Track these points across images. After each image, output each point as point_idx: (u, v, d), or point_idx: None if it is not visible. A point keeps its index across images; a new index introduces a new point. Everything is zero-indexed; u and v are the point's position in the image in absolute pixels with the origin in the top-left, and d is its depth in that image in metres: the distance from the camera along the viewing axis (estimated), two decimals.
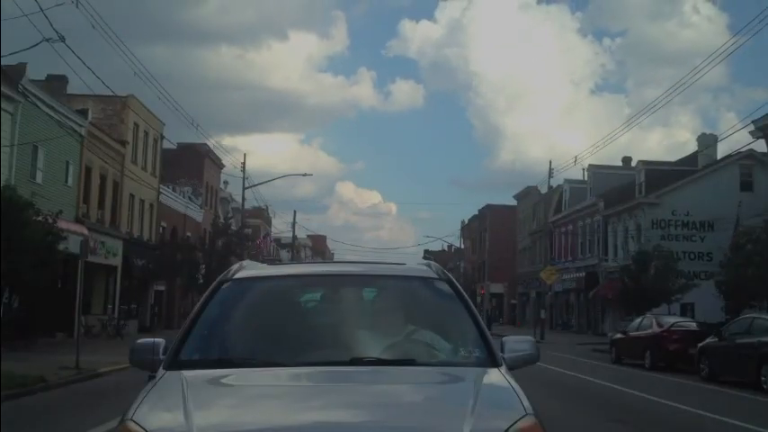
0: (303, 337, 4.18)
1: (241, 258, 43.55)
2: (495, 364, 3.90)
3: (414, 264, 5.35)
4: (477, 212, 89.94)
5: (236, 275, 4.60)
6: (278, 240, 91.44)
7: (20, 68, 24.88)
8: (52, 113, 27.07)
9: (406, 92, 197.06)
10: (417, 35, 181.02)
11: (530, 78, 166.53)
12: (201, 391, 3.45)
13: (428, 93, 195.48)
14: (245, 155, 49.91)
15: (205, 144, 50.54)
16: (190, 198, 49.99)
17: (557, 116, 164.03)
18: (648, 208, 40.67)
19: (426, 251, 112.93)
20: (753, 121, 32.61)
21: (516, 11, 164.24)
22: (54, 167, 27.92)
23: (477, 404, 3.22)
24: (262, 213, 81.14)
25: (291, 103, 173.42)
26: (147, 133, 39.78)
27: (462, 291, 4.60)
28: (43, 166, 26.93)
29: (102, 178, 33.50)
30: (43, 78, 33.24)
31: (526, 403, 3.29)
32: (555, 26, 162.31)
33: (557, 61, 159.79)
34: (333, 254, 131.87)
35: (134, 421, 3.11)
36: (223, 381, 3.62)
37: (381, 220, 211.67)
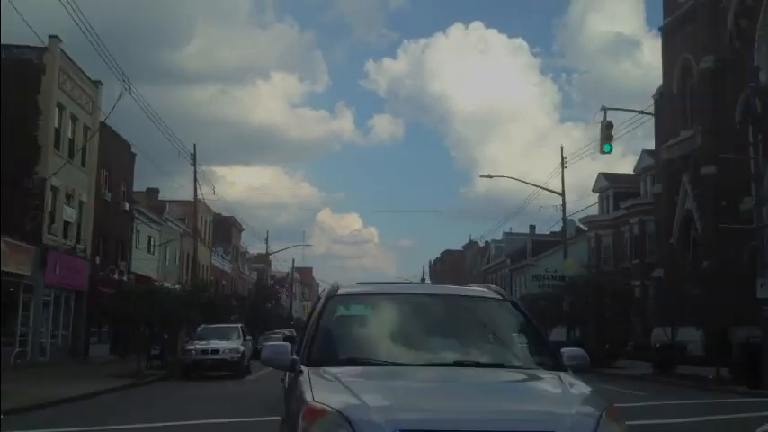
0: (409, 342, 5.18)
1: (277, 301, 64.58)
2: (562, 368, 4.93)
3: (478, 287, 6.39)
4: (439, 255, 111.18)
5: (339, 292, 5.72)
6: (273, 276, 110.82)
7: (157, 201, 45.86)
8: (173, 226, 48.16)
9: (384, 126, 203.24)
10: (392, 72, 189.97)
11: (500, 111, 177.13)
12: (354, 381, 4.36)
13: (407, 126, 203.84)
14: (267, 233, 70.86)
15: (233, 217, 71.57)
16: (222, 256, 70.93)
17: (526, 145, 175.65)
18: (532, 267, 62.11)
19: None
20: (580, 220, 54.11)
21: (484, 50, 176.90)
22: (172, 255, 48.89)
23: (572, 396, 4.27)
24: (265, 258, 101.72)
25: (273, 137, 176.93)
26: (206, 221, 60.89)
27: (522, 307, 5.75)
28: (168, 256, 47.95)
29: (188, 256, 54.49)
30: (143, 190, 54.21)
31: (602, 394, 4.50)
32: (519, 64, 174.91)
33: (524, 95, 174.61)
34: (318, 285, 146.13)
35: (318, 401, 3.98)
36: (365, 374, 4.66)
37: (363, 248, 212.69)
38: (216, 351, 25.21)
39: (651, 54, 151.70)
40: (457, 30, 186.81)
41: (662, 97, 40.33)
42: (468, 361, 4.91)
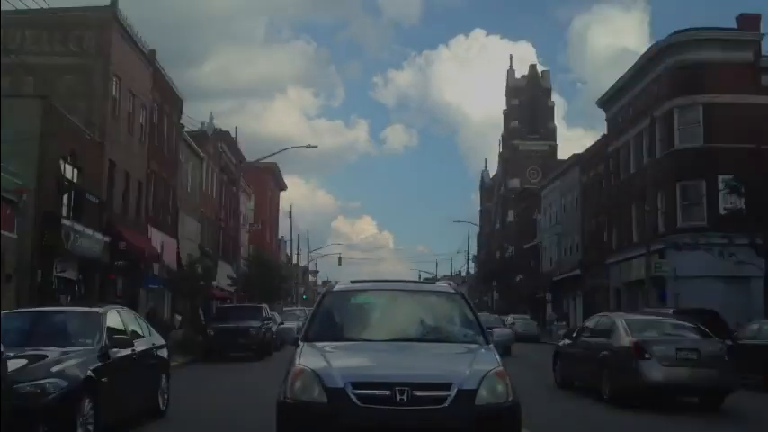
0: (378, 324, 7.59)
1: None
2: (487, 343, 7.15)
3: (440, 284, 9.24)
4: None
5: (334, 288, 8.27)
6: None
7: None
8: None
9: (398, 136, 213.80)
10: (403, 85, 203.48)
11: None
12: (331, 350, 6.77)
13: (420, 135, 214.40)
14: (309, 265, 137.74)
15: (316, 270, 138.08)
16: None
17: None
18: None
19: None
20: None
21: (490, 60, 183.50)
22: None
23: (475, 360, 6.48)
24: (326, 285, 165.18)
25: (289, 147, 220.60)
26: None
27: (468, 299, 8.02)
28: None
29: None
30: None
31: (499, 361, 6.55)
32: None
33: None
34: None
35: (301, 365, 6.32)
36: (340, 345, 7.04)
37: (379, 254, 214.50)
38: None
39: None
40: (464, 41, 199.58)
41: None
42: (417, 338, 7.17)
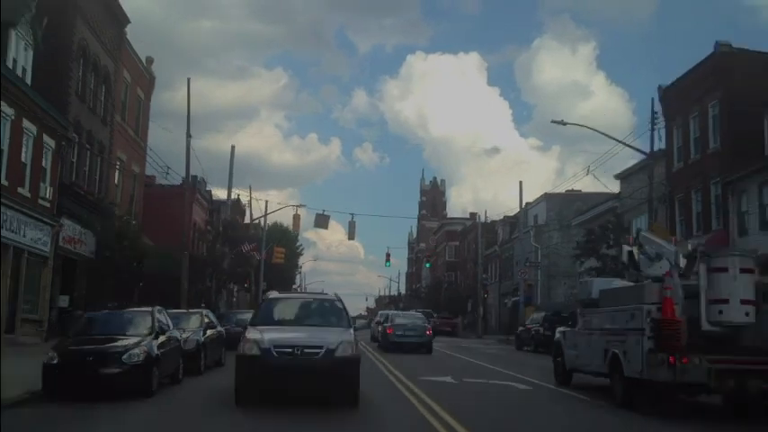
0: (291, 315, 14.51)
1: None
2: (350, 327, 14.04)
3: (330, 294, 16.25)
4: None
5: (269, 296, 15.76)
6: None
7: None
8: None
9: (368, 154, 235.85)
10: (373, 108, 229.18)
11: (467, 137, 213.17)
12: (265, 330, 13.17)
13: (390, 154, 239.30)
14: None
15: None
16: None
17: (496, 168, 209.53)
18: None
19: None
20: None
21: (449, 85, 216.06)
22: None
23: (341, 336, 13.18)
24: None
25: (263, 166, 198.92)
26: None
27: (344, 304, 14.92)
28: None
29: None
30: None
31: (352, 334, 13.52)
32: (481, 101, 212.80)
33: (485, 124, 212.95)
34: None
35: (247, 337, 13.08)
36: (270, 327, 13.44)
37: (350, 266, 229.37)
38: None
39: (602, 97, 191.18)
40: (424, 66, 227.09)
41: None
42: (311, 323, 13.74)
